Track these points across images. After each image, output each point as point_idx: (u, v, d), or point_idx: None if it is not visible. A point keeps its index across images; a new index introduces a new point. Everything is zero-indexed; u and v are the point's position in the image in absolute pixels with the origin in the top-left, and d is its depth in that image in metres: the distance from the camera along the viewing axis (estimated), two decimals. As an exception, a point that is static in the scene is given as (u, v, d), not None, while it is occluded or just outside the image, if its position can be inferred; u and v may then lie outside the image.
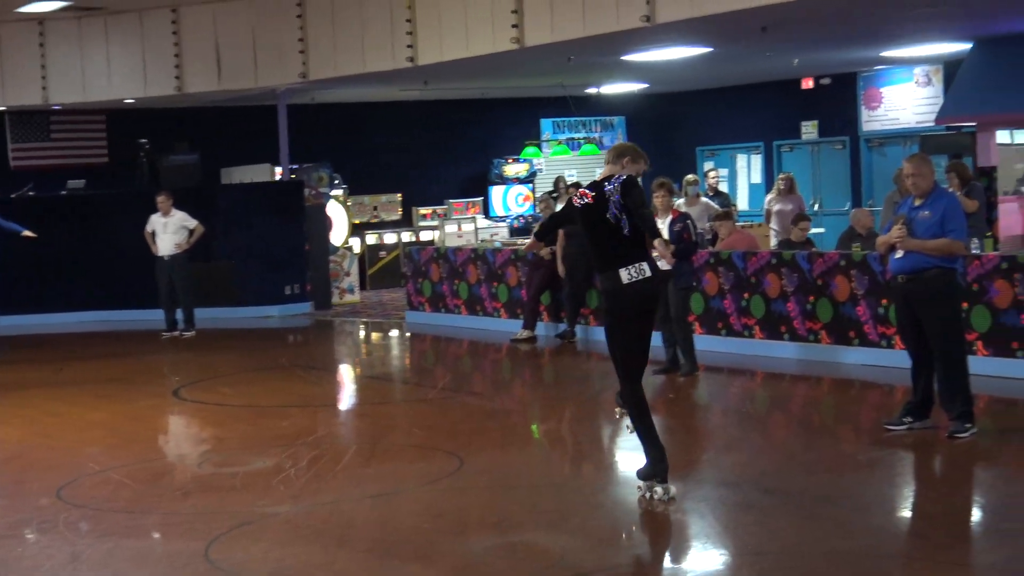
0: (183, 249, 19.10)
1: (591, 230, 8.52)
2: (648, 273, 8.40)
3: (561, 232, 16.58)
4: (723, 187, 24.65)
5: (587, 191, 8.56)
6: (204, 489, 9.78)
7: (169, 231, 19.11)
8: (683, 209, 15.95)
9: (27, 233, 16.63)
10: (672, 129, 28.70)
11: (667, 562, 7.54)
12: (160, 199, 19.19)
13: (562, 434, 11.91)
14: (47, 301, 21.75)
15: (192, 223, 19.14)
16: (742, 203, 26.42)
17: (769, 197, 20.63)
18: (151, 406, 13.67)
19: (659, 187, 13.92)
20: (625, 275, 8.36)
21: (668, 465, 8.57)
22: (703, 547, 7.80)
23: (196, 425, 13.04)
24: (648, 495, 8.54)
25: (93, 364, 17.01)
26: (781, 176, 20.58)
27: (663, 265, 13.91)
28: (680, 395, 13.41)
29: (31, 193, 22.24)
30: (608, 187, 8.41)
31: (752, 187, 27.35)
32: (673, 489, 8.52)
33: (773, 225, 19.50)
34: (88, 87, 21.81)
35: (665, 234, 13.58)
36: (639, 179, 8.54)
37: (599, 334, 16.45)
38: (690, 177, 20.76)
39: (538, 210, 18.02)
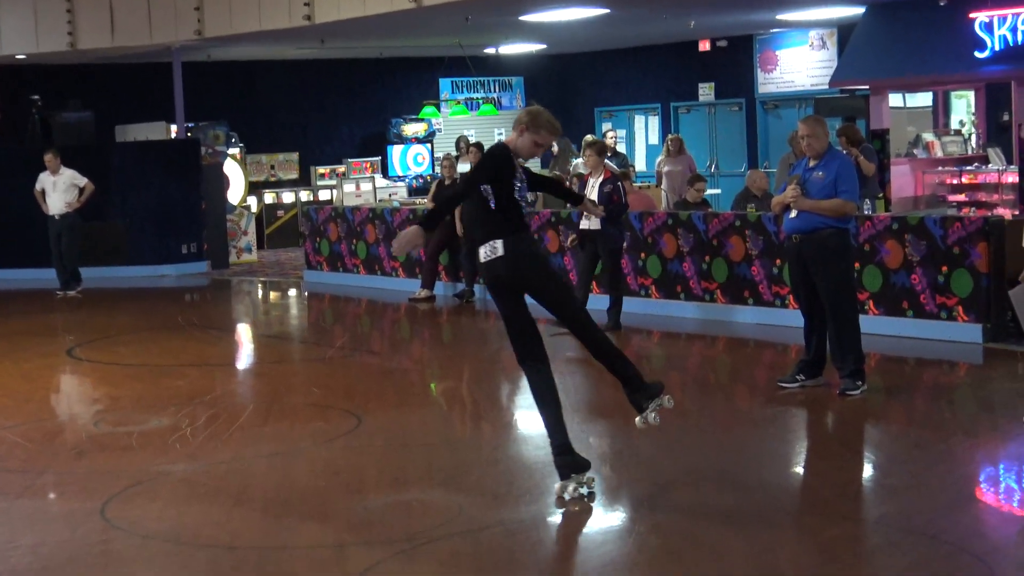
0: (73, 208, 18.84)
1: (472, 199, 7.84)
2: (500, 252, 7.70)
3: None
4: (621, 148, 24.77)
5: None
6: (99, 449, 9.72)
7: (59, 190, 18.84)
8: (581, 170, 16.02)
9: None
10: (570, 90, 28.78)
11: (559, 519, 7.60)
12: (47, 157, 18.91)
13: (460, 393, 11.96)
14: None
15: (82, 181, 18.87)
16: (640, 164, 26.58)
17: (659, 159, 20.79)
18: (44, 365, 13.53)
19: (588, 147, 14.19)
20: (482, 253, 7.83)
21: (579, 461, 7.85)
22: (597, 502, 7.82)
23: (91, 384, 12.92)
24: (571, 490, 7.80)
25: (-16, 324, 16.79)
26: (670, 137, 20.75)
27: (590, 225, 14.06)
28: (577, 350, 13.51)
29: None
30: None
31: (650, 148, 27.53)
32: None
33: (664, 186, 19.66)
34: (-22, 42, 21.44)
35: (594, 195, 13.75)
36: (548, 148, 8.17)
37: (497, 294, 16.52)
38: (589, 138, 20.82)
39: (440, 171, 17.99)
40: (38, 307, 18.37)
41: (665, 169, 19.80)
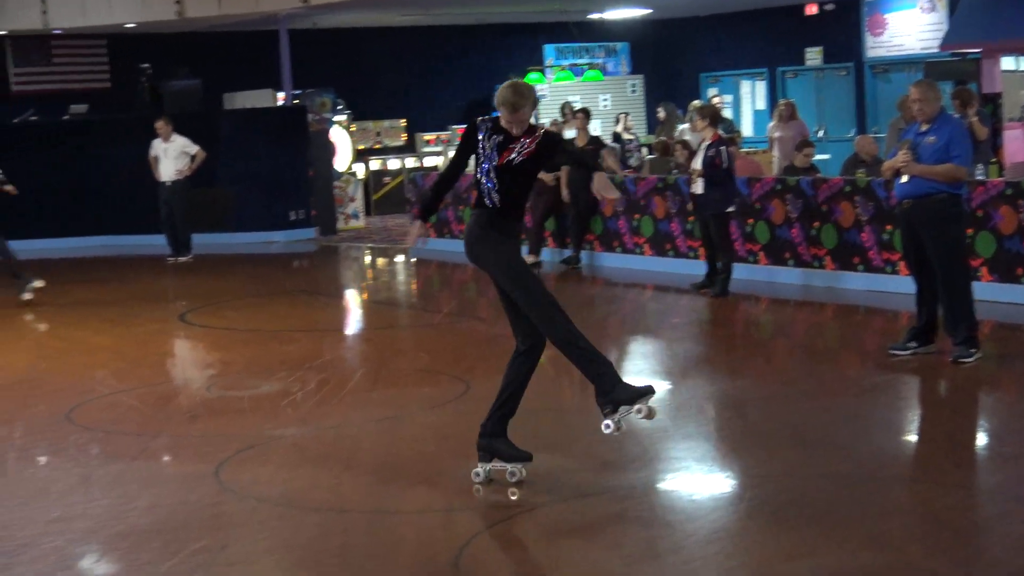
0: (184, 175, 19.09)
1: None
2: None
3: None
4: (727, 114, 24.58)
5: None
6: (212, 412, 9.84)
7: (170, 156, 19.11)
8: (687, 136, 15.93)
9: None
10: (676, 55, 28.57)
11: (669, 485, 7.59)
12: (159, 125, 19.17)
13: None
14: (49, 226, 21.76)
15: (193, 149, 19.11)
16: (746, 130, 26.35)
17: (771, 124, 20.57)
18: (157, 330, 13.72)
19: (696, 112, 14.24)
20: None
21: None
22: (707, 471, 7.86)
23: (203, 349, 13.09)
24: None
25: (97, 289, 17.04)
26: (782, 103, 20.50)
27: (695, 189, 14.03)
28: (685, 317, 13.48)
29: (33, 118, 22.20)
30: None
31: (756, 113, 27.26)
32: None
33: (775, 152, 19.45)
34: (88, 11, 21.69)
35: (699, 161, 13.75)
36: (519, 123, 7.35)
37: (605, 260, 16.58)
38: (696, 103, 20.70)
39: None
40: (149, 273, 18.64)
41: (776, 135, 19.58)
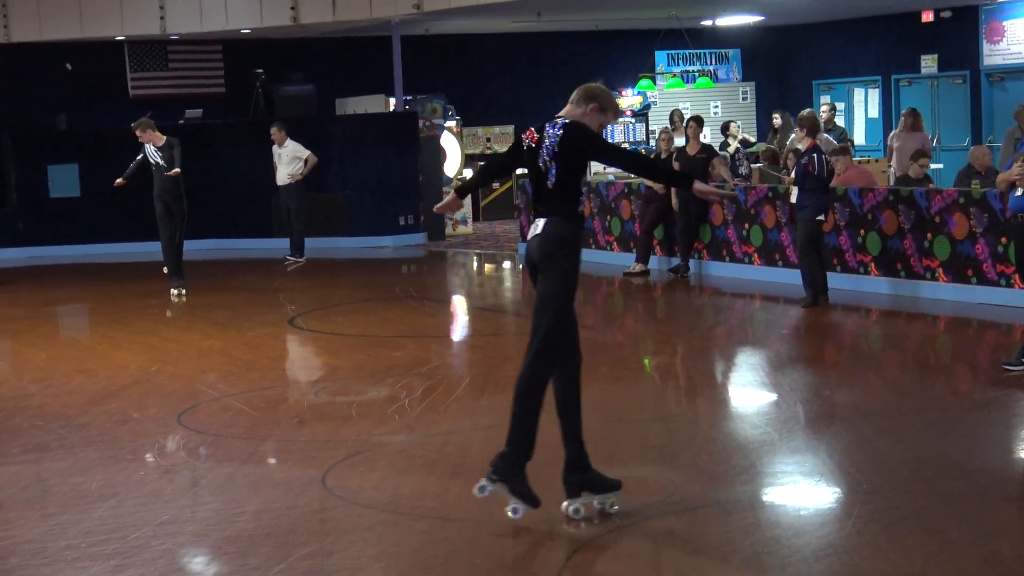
0: (296, 179, 19.30)
1: (529, 174, 7.34)
2: (538, 230, 7.17)
3: (676, 165, 16.58)
4: (839, 121, 24.35)
5: (533, 131, 7.36)
6: (320, 417, 9.92)
7: (283, 162, 19.35)
8: (797, 145, 15.79)
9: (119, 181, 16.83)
10: (788, 62, 28.38)
11: (776, 499, 7.54)
12: (273, 130, 19.42)
13: (674, 369, 11.90)
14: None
15: (305, 153, 19.32)
16: (859, 138, 26.09)
17: (893, 133, 20.28)
18: (267, 334, 13.86)
19: (797, 122, 14.08)
20: (531, 229, 7.30)
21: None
22: (816, 484, 7.78)
23: (311, 354, 13.20)
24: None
25: (209, 292, 17.24)
26: (906, 112, 20.15)
27: (791, 197, 13.94)
28: (794, 328, 13.38)
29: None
30: (550, 130, 7.19)
31: (869, 122, 26.99)
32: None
33: (893, 161, 19.18)
34: (205, 17, 22.01)
35: (794, 170, 13.69)
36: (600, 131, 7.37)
37: (713, 268, 16.48)
38: (802, 113, 20.50)
39: (657, 144, 17.92)
40: (261, 276, 18.84)
41: (896, 144, 19.29)
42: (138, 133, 16.29)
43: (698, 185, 7.28)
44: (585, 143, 7.16)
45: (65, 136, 22.87)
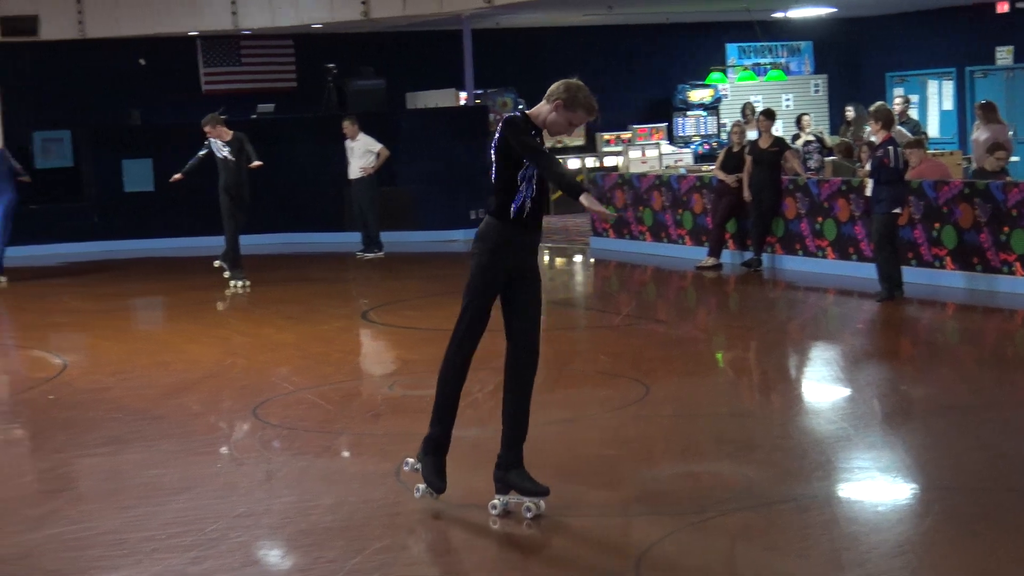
0: (368, 173, 19.38)
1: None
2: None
3: (748, 158, 16.52)
4: (913, 114, 24.11)
5: None
6: (394, 411, 9.94)
7: (355, 155, 19.45)
8: (871, 138, 15.65)
9: (175, 176, 16.94)
10: (861, 55, 28.16)
11: (852, 495, 7.47)
12: (345, 124, 19.51)
13: (748, 363, 11.83)
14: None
15: (377, 147, 19.40)
16: (932, 131, 25.83)
17: (976, 124, 20.01)
18: (340, 328, 13.91)
19: (870, 114, 13.95)
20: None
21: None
22: (893, 480, 7.72)
23: (384, 347, 13.24)
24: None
25: (281, 286, 17.33)
26: (978, 104, 19.87)
27: (867, 191, 13.82)
28: (869, 322, 13.28)
29: (223, 117, 22.66)
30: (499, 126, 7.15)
31: (943, 114, 26.72)
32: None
33: (973, 154, 18.91)
34: (276, 12, 22.12)
35: (869, 163, 13.57)
36: (577, 127, 7.42)
37: (786, 262, 16.38)
38: (873, 106, 20.31)
39: (729, 137, 17.84)
40: (333, 270, 18.94)
41: (973, 136, 19.03)
42: (207, 128, 16.44)
43: (583, 199, 6.92)
44: (507, 136, 7.04)
45: (139, 131, 23.07)
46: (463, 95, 23.35)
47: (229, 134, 16.49)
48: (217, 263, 17.04)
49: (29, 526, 7.27)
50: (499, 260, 7.35)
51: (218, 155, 16.47)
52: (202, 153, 16.58)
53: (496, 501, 7.23)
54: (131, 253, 21.71)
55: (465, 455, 8.44)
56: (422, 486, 7.42)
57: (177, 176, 16.97)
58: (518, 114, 7.21)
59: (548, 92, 7.26)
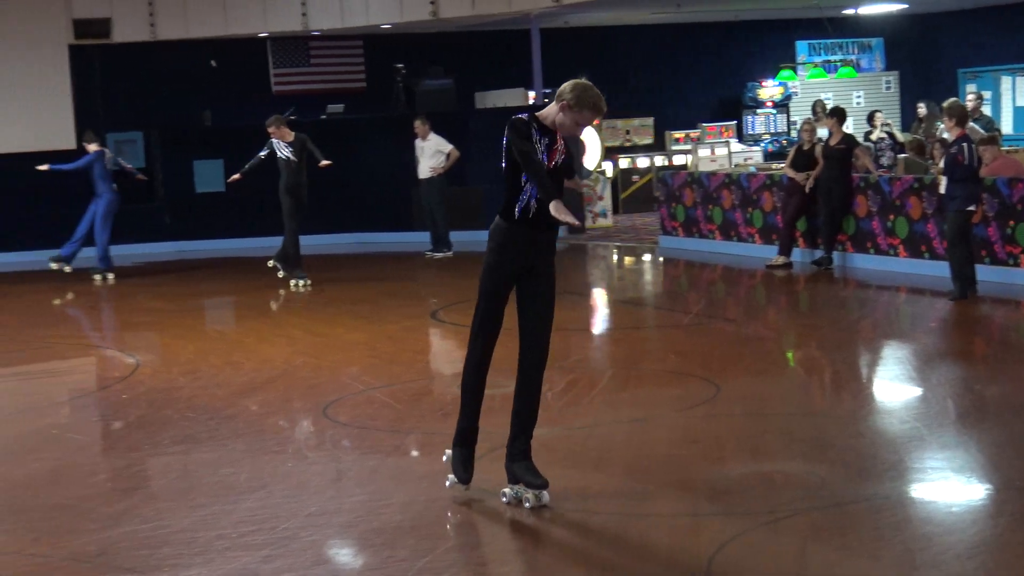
0: (438, 173, 19.44)
1: None
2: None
3: (819, 155, 16.47)
4: (986, 110, 23.88)
5: None
6: (464, 410, 9.94)
7: (426, 155, 19.52)
8: (944, 135, 15.54)
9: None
10: (932, 51, 27.89)
11: (926, 495, 7.41)
12: (416, 124, 19.60)
13: (818, 362, 11.75)
14: (305, 223, 22.23)
15: (447, 147, 19.47)
16: (1006, 127, 25.55)
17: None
18: (409, 327, 13.94)
19: (944, 111, 13.88)
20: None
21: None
22: (967, 480, 7.64)
23: (453, 346, 13.23)
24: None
25: (351, 285, 17.42)
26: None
27: (940, 188, 13.69)
28: (941, 321, 13.17)
29: (292, 117, 22.79)
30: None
31: (1017, 110, 26.42)
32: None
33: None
34: (346, 13, 22.20)
35: (943, 160, 13.47)
36: (585, 129, 7.46)
37: (857, 261, 16.27)
38: (946, 103, 20.15)
39: (800, 135, 17.74)
40: (402, 270, 18.99)
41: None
42: (271, 129, 16.63)
43: (552, 206, 7.00)
44: (508, 137, 7.22)
45: (210, 132, 23.25)
46: (532, 94, 23.33)
47: (291, 135, 16.67)
48: (271, 263, 17.21)
49: (105, 524, 7.34)
50: (506, 260, 7.43)
51: (280, 156, 16.64)
52: (263, 154, 16.76)
53: (506, 490, 7.43)
54: (203, 253, 21.89)
55: (535, 454, 8.44)
56: (451, 476, 7.63)
57: (236, 176, 17.16)
58: (525, 115, 7.33)
59: (557, 92, 7.36)
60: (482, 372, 7.61)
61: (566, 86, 7.32)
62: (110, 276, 18.66)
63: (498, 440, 8.65)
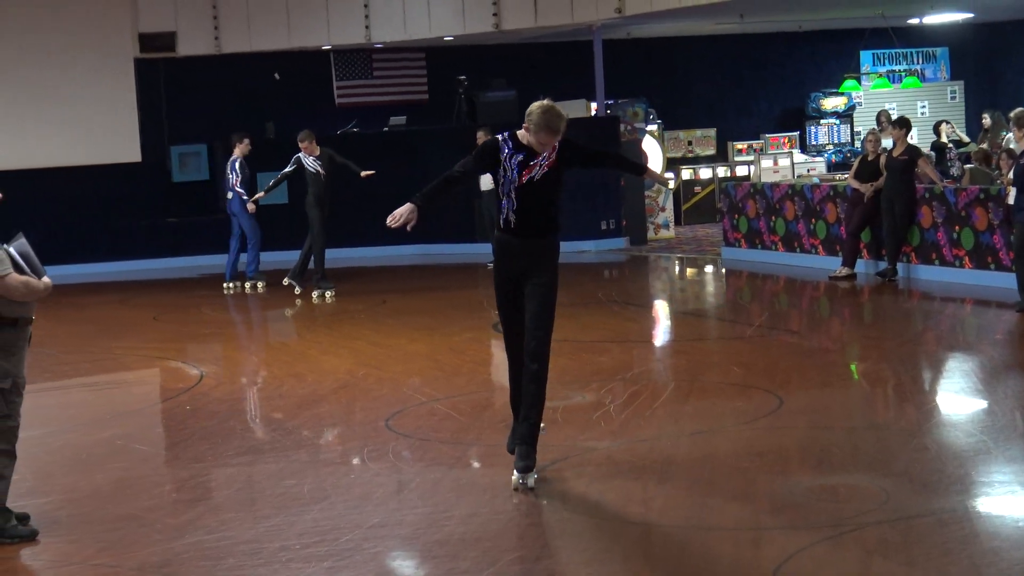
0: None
1: None
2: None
3: (883, 165, 16.37)
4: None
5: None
6: (525, 422, 9.93)
7: (488, 167, 19.52)
8: (1012, 146, 15.42)
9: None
10: (999, 60, 27.67)
11: (992, 509, 7.33)
12: (479, 135, 19.56)
13: (883, 374, 11.64)
14: (369, 235, 22.35)
15: (508, 159, 19.47)
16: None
17: None
18: (471, 339, 13.96)
19: (1013, 121, 13.92)
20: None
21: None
22: (1035, 495, 7.57)
23: (518, 359, 13.22)
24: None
25: (414, 297, 17.47)
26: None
27: (1009, 199, 13.56)
28: (1008, 333, 13.04)
29: (355, 129, 22.90)
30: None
31: (1084, 120, 26.13)
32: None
33: None
34: (409, 25, 22.30)
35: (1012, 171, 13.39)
36: (548, 146, 8.00)
37: (922, 272, 16.14)
38: (1014, 112, 19.97)
39: (864, 146, 17.62)
40: (465, 281, 19.01)
41: None
42: (304, 144, 17.08)
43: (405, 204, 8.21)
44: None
45: (273, 144, 23.35)
46: (594, 105, 23.32)
47: (318, 149, 17.27)
48: (287, 281, 17.65)
49: (170, 535, 7.39)
50: (501, 269, 8.23)
51: (310, 169, 17.26)
52: (289, 169, 17.40)
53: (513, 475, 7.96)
54: (265, 265, 21.96)
55: (599, 466, 8.45)
56: (516, 473, 7.96)
57: (259, 195, 17.59)
58: (502, 134, 8.11)
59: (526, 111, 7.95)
60: (512, 374, 8.27)
61: (532, 107, 7.95)
62: (260, 284, 19.02)
63: (560, 453, 8.66)
